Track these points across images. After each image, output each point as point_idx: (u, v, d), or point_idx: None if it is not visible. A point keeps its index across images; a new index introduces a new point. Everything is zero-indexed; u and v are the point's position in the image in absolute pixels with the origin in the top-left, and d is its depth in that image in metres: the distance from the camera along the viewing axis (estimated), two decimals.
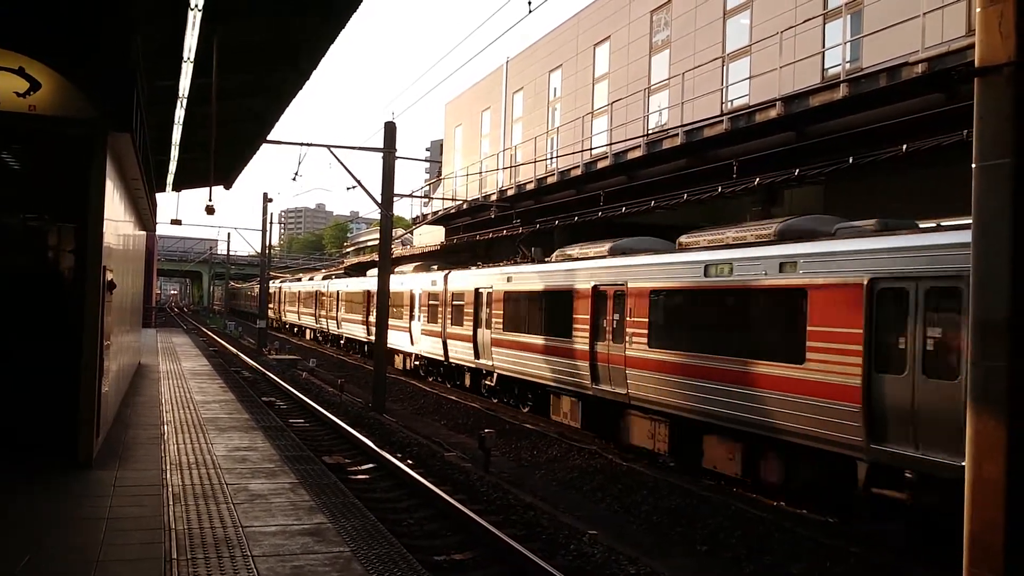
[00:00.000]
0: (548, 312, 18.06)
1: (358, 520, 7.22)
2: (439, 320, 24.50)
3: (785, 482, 11.55)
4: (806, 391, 10.74)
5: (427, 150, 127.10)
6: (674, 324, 13.93)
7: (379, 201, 22.05)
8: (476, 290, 22.05)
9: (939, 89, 12.85)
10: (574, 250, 18.27)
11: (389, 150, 21.56)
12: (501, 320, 20.31)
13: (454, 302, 23.44)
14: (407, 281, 28.10)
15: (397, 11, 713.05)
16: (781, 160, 16.23)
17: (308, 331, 50.73)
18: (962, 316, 8.77)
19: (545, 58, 28.55)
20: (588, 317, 16.08)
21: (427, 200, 38.25)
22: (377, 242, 24.18)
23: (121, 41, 8.63)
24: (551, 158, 26.14)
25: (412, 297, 27.34)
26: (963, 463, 7.31)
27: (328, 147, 22.17)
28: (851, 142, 14.62)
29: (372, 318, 29.70)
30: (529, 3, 13.68)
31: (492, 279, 21.29)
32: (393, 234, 25.93)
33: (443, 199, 34.85)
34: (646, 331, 14.32)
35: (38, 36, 8.21)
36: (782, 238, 12.21)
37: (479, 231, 30.52)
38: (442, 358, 24.53)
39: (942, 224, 10.47)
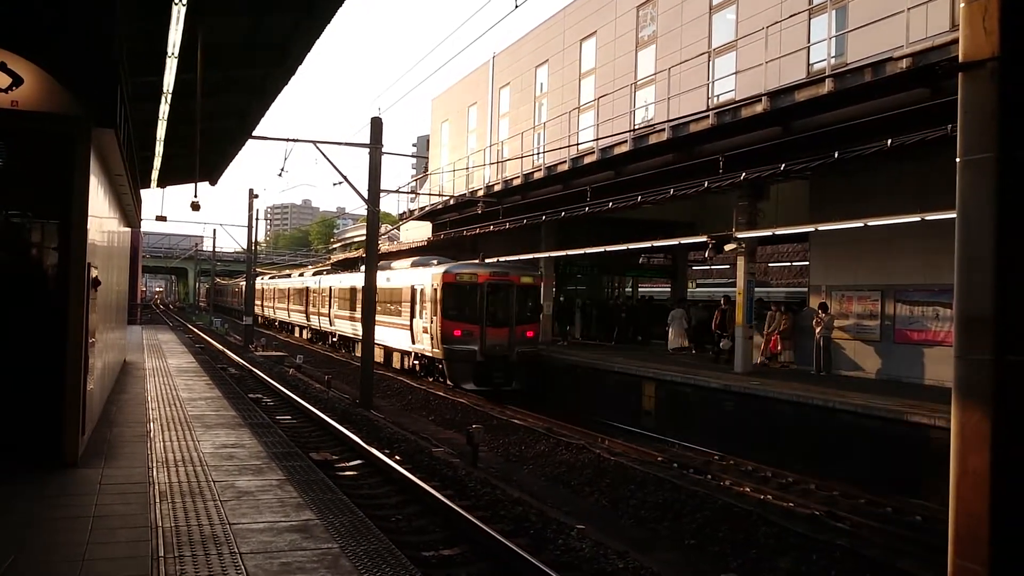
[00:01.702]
0: (351, 301, 33.24)
1: (346, 516, 7.21)
2: (317, 306, 40.70)
3: (413, 368, 25.72)
4: (403, 328, 25.67)
5: (414, 145, 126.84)
6: (383, 304, 26.64)
7: (366, 197, 21.98)
8: (330, 287, 37.88)
9: (923, 84, 12.92)
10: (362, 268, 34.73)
11: (375, 146, 21.49)
12: (335, 305, 36.86)
13: (322, 295, 39.41)
14: (307, 280, 44.76)
15: (384, 6, 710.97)
16: (767, 155, 16.30)
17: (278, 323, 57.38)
18: (429, 298, 23.22)
19: (532, 53, 28.54)
20: (355, 304, 31.79)
21: (414, 196, 38.18)
22: (364, 238, 25.16)
23: (105, 36, 8.54)
24: (538, 153, 26.13)
25: (307, 290, 43.45)
26: (415, 348, 25.81)
27: (314, 143, 22.08)
28: (836, 137, 14.69)
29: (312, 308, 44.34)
30: None
31: (334, 280, 37.92)
32: (380, 230, 25.90)
33: (430, 195, 34.78)
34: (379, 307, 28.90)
35: (20, 31, 8.11)
36: (414, 266, 26.83)
37: (466, 227, 30.50)
38: (318, 327, 41.29)
39: (441, 260, 26.08)
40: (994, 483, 3.55)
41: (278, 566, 5.81)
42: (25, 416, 8.48)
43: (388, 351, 28.23)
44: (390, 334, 27.03)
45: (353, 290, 32.67)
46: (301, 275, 49.13)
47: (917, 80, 12.88)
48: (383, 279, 27.53)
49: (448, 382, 22.95)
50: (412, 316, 24.88)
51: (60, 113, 8.18)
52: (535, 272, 24.77)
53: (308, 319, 42.96)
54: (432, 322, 23.14)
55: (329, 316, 37.76)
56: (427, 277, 23.96)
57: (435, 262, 25.57)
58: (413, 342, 24.78)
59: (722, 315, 20.93)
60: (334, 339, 38.05)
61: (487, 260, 24.90)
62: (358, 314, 30.68)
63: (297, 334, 47.46)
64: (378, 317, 26.87)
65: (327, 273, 42.10)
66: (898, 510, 11.68)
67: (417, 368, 25.34)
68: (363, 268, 31.81)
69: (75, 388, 8.51)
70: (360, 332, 29.73)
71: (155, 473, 8.55)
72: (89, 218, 8.62)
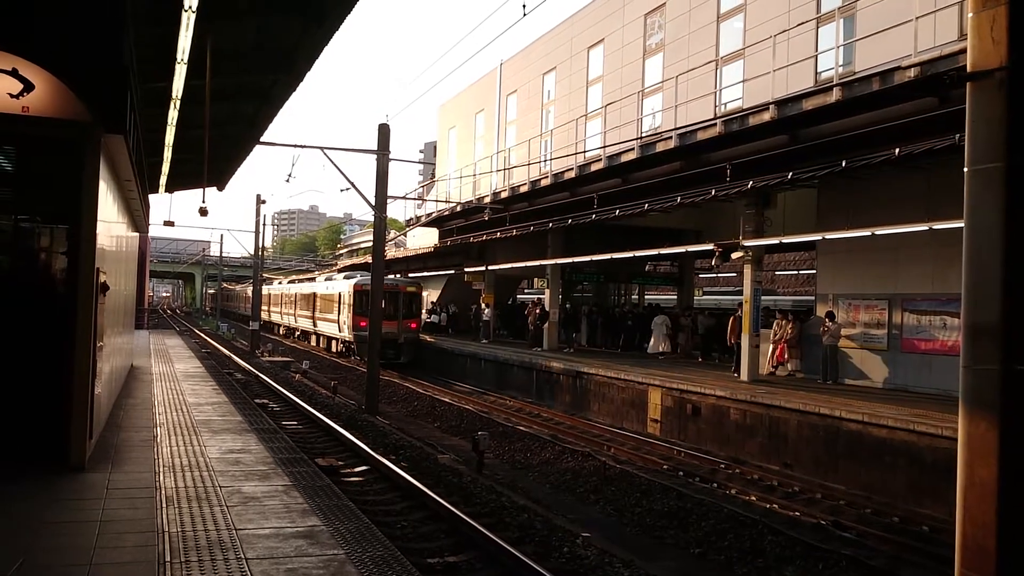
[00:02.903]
0: (306, 304, 42.39)
1: (352, 522, 7.21)
2: (288, 308, 50.13)
3: (341, 351, 37.03)
4: (335, 321, 36.51)
5: (421, 152, 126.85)
6: (325, 304, 38.29)
7: (373, 203, 22.04)
8: (296, 293, 47.28)
9: (931, 93, 12.90)
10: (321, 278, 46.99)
11: (383, 152, 21.56)
12: (298, 307, 45.94)
13: (291, 299, 49.13)
14: (282, 287, 54.36)
15: (392, 13, 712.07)
16: (774, 163, 16.27)
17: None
18: (346, 301, 34.95)
19: (539, 60, 28.57)
20: (307, 306, 43.43)
21: (421, 202, 38.25)
22: (370, 244, 25.31)
23: (115, 42, 8.59)
24: (545, 160, 26.14)
25: (283, 295, 52.44)
26: (340, 335, 38.04)
27: (322, 149, 22.16)
28: (844, 145, 14.67)
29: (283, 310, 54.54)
30: (524, 6, 13.70)
31: (298, 288, 47.31)
32: (387, 236, 25.96)
33: (437, 201, 34.84)
34: (323, 308, 39.35)
35: (32, 37, 8.17)
36: (345, 278, 36.56)
37: (472, 233, 30.53)
38: (288, 325, 50.91)
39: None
40: (1001, 493, 3.54)
41: (284, 572, 5.82)
42: (33, 420, 8.51)
43: (328, 338, 39.34)
44: (328, 326, 38.39)
45: (309, 295, 42.90)
46: (280, 283, 58.77)
47: (925, 89, 12.86)
48: (325, 287, 39.49)
49: (356, 357, 33.52)
50: (339, 313, 35.88)
51: (70, 119, 8.22)
52: (417, 283, 36.09)
53: (283, 318, 52.54)
54: (348, 317, 34.12)
55: (294, 315, 47.46)
56: (346, 286, 34.80)
57: (359, 276, 36.62)
58: (340, 331, 35.60)
59: (738, 323, 20.55)
60: (297, 333, 47.86)
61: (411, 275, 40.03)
62: (308, 312, 42.85)
63: (275, 330, 55.83)
64: (321, 314, 39.63)
65: (296, 282, 52.69)
66: (905, 519, 11.64)
67: (343, 350, 36.48)
68: (316, 278, 45.72)
69: (83, 392, 8.54)
70: (311, 327, 42.68)
71: (162, 478, 8.57)
72: (98, 223, 8.66)
